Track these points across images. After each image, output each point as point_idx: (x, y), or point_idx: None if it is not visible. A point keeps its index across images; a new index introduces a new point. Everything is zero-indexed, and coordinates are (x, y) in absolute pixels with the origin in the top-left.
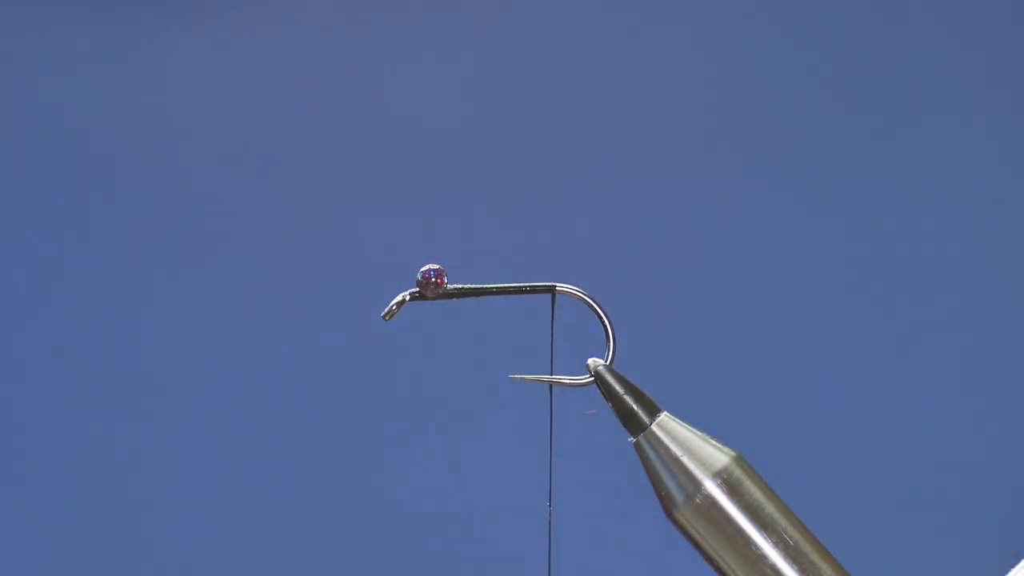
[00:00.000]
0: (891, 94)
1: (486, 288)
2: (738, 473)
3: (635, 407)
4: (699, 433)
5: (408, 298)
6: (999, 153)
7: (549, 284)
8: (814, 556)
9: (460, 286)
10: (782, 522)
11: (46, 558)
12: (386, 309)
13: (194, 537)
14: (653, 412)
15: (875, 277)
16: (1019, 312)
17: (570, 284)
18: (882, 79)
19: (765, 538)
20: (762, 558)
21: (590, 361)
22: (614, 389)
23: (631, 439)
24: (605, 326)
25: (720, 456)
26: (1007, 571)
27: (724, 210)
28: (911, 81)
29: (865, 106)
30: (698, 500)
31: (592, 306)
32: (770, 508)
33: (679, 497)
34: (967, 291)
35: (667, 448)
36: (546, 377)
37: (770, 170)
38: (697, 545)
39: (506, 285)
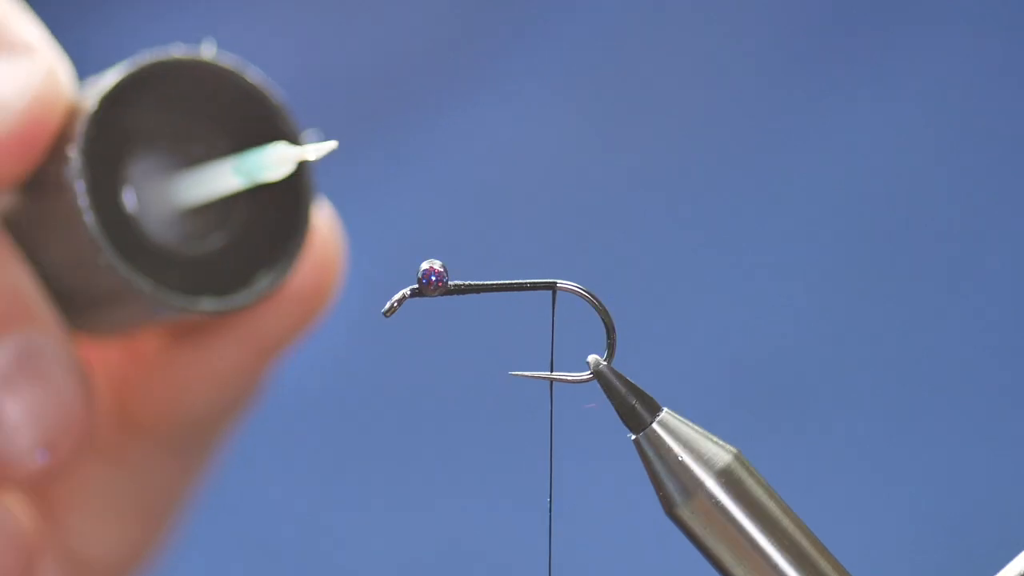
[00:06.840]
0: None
1: (487, 285)
2: (739, 471)
3: (636, 404)
4: (700, 431)
5: (409, 295)
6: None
7: (550, 281)
8: (814, 556)
9: (460, 283)
10: (783, 521)
11: None
12: (387, 306)
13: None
14: (654, 409)
15: (882, 279)
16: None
17: (571, 281)
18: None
19: (766, 537)
20: (763, 557)
21: (591, 358)
22: (614, 386)
23: (631, 436)
24: (606, 323)
25: (721, 454)
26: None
27: (726, 207)
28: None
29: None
30: (699, 498)
31: (593, 303)
32: (771, 507)
33: (679, 495)
34: (985, 291)
35: (668, 446)
36: (546, 374)
37: (774, 169)
38: (698, 543)
39: (507, 282)
